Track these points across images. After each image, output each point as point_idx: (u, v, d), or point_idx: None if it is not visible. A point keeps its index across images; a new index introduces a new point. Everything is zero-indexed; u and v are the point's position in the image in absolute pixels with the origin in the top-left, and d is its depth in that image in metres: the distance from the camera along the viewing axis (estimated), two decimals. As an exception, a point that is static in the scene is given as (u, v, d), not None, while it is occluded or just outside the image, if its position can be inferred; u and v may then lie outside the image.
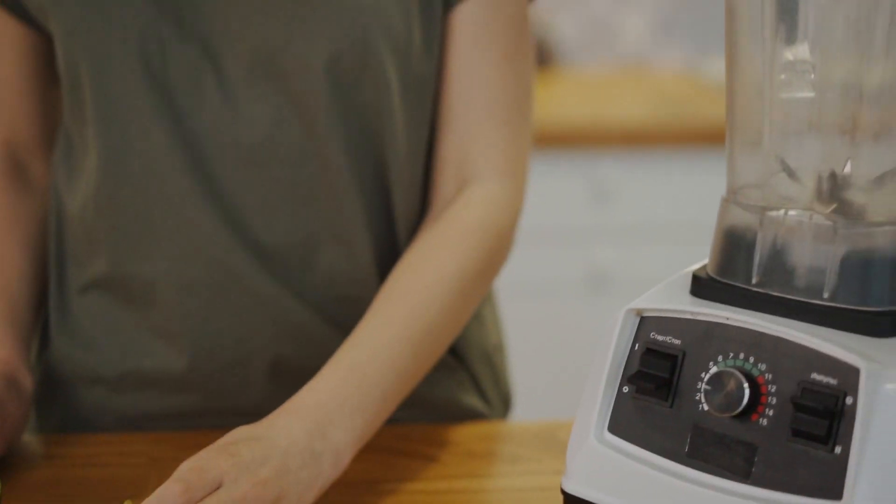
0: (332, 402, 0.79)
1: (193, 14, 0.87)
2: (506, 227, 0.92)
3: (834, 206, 0.69)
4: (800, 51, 0.71)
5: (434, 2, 0.91)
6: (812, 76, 0.70)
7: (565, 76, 2.59)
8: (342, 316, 0.91)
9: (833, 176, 0.69)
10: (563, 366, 2.00)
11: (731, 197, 0.71)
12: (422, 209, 0.95)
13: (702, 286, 0.69)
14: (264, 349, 0.91)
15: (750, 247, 0.68)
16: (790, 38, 0.70)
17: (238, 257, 0.89)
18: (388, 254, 0.93)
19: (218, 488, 0.72)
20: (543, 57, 2.55)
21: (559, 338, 2.22)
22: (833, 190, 0.69)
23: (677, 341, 0.68)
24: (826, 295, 0.66)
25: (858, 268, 0.66)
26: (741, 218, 0.69)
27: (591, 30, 2.66)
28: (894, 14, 0.67)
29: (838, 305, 0.65)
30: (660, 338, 0.68)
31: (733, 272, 0.69)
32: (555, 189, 2.16)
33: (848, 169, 0.70)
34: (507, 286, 2.25)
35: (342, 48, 0.87)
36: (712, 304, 0.68)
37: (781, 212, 0.69)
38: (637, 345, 0.69)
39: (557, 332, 2.23)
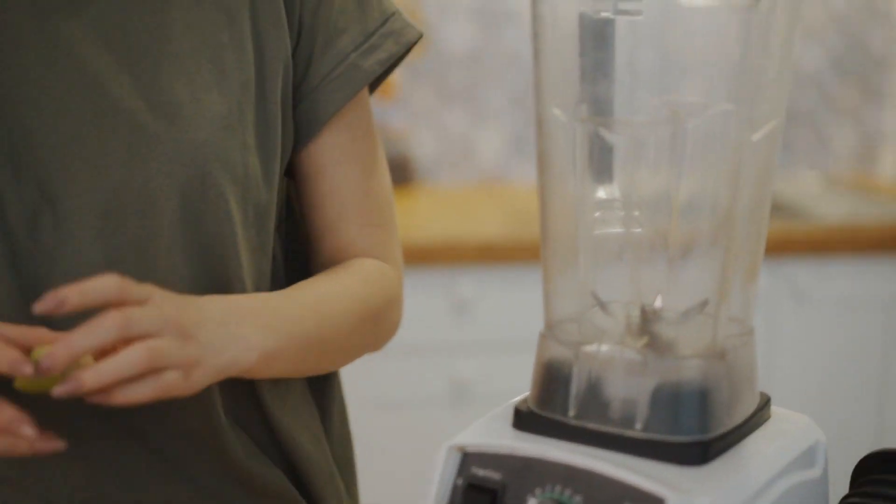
0: (248, 310, 0.87)
1: (31, 158, 0.86)
2: (397, 296, 1.02)
3: (645, 339, 0.72)
4: (611, 189, 0.75)
5: (271, 137, 0.93)
6: (622, 213, 0.74)
7: (424, 193, 2.64)
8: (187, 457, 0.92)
9: (644, 310, 0.73)
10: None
11: (548, 332, 0.73)
12: None
13: (523, 419, 0.72)
14: None
15: (567, 380, 0.71)
16: (602, 178, 0.74)
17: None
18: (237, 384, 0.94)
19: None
20: (403, 174, 2.60)
21: (421, 451, 2.22)
22: (644, 324, 0.72)
23: (497, 475, 0.69)
24: (639, 426, 0.68)
25: (668, 399, 0.69)
26: (558, 352, 0.72)
27: (449, 147, 2.72)
28: (699, 152, 0.71)
29: (650, 436, 0.68)
30: (480, 472, 0.70)
31: (552, 405, 0.71)
32: (416, 304, 2.19)
33: (658, 303, 0.73)
34: (369, 399, 2.27)
35: (183, 184, 0.88)
36: (532, 436, 0.70)
37: (595, 346, 0.72)
38: (459, 480, 0.70)
39: (419, 446, 2.23)
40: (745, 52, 0.67)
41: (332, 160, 0.98)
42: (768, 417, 0.74)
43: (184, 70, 0.90)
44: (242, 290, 0.93)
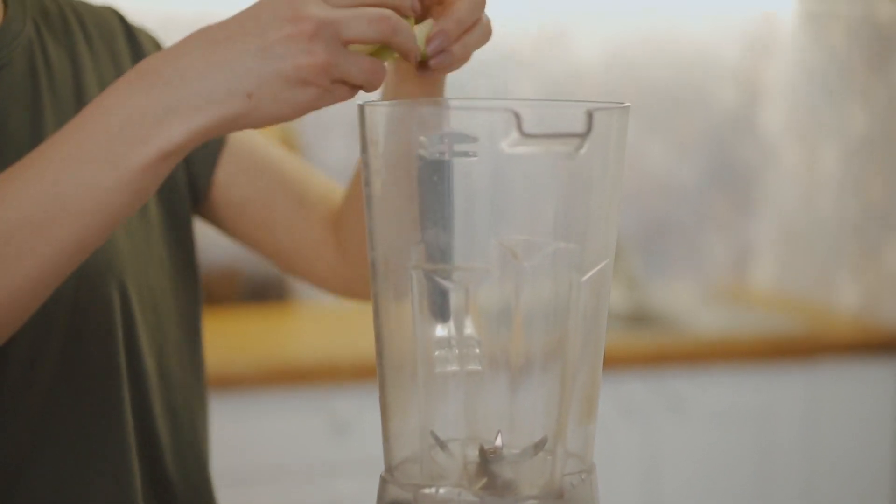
0: None
1: None
2: None
3: (484, 480, 0.72)
4: (449, 327, 0.75)
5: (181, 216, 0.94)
6: (460, 352, 0.74)
7: (301, 311, 2.63)
8: None
9: (482, 450, 0.73)
10: None
11: (389, 475, 0.73)
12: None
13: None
14: None
15: (406, 525, 0.70)
16: (438, 317, 0.74)
17: None
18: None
19: None
20: (279, 292, 2.58)
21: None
22: (483, 464, 0.72)
23: None
24: (477, 570, 0.68)
25: (506, 542, 0.68)
26: (398, 495, 0.71)
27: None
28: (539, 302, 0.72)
29: (488, 580, 0.67)
30: None
31: (393, 549, 0.70)
32: (293, 424, 2.16)
33: (498, 442, 0.73)
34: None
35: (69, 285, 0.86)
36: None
37: (434, 489, 0.71)
38: None
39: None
40: (568, 197, 0.68)
41: (243, 169, 1.00)
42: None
43: None
44: (118, 395, 0.91)
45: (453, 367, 0.75)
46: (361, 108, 0.70)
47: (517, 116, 0.64)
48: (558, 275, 0.71)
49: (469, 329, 0.75)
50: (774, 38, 2.88)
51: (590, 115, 0.65)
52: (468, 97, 0.75)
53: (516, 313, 0.72)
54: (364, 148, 0.71)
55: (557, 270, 0.71)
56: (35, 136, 0.88)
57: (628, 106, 0.70)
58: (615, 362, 2.33)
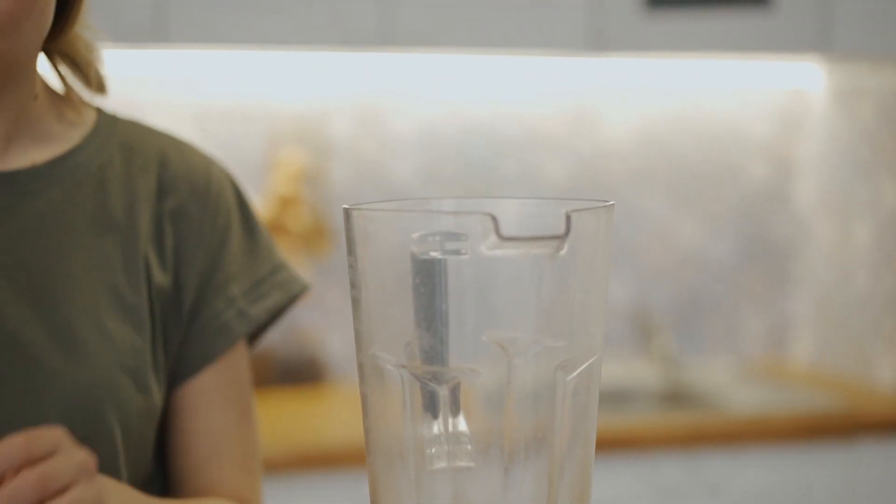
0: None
1: None
2: None
3: (475, 579, 0.71)
4: (439, 424, 0.76)
5: (159, 373, 0.96)
6: (452, 448, 0.75)
7: (334, 394, 2.63)
8: None
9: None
10: None
11: (379, 575, 0.73)
12: None
13: None
14: None
15: None
16: (430, 415, 0.75)
17: None
18: None
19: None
20: (312, 374, 2.59)
21: None
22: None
23: None
24: None
25: None
26: None
27: (362, 345, 2.73)
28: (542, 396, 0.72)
29: None
30: None
31: None
32: (326, 509, 2.16)
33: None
34: None
35: (70, 421, 0.89)
36: None
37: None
38: None
39: None
40: (552, 296, 0.69)
41: (208, 401, 1.00)
42: None
43: (84, 307, 0.93)
44: None
45: (446, 464, 0.75)
46: (347, 211, 0.72)
47: (494, 220, 0.65)
48: (545, 373, 0.71)
49: (461, 426, 0.75)
50: (805, 113, 2.88)
51: (568, 218, 0.66)
52: (458, 196, 0.76)
53: (505, 411, 0.73)
54: (350, 250, 0.72)
55: (544, 368, 0.71)
56: (60, 265, 0.92)
57: (612, 204, 0.71)
58: (648, 443, 2.31)
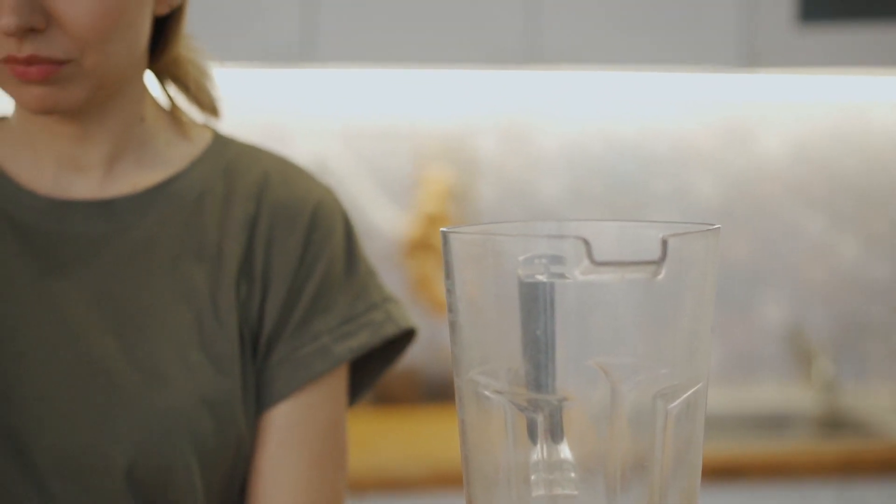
0: None
1: (7, 407, 0.90)
2: None
3: None
4: (543, 452, 0.74)
5: (248, 408, 0.95)
6: (554, 476, 0.73)
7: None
8: None
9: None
10: None
11: None
12: None
13: None
14: None
15: None
16: (531, 441, 0.74)
17: None
18: None
19: None
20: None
21: None
22: None
23: None
24: None
25: None
26: None
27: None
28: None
29: None
30: None
31: None
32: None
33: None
34: None
35: (145, 451, 0.90)
36: None
37: None
38: None
39: None
40: (650, 323, 0.67)
41: (276, 438, 0.96)
42: None
43: (168, 338, 0.93)
44: None
45: (547, 492, 0.74)
46: (444, 235, 0.71)
47: (587, 244, 0.63)
48: (647, 400, 0.69)
49: (563, 453, 0.73)
50: (973, 127, 2.75)
51: (664, 243, 0.64)
52: (557, 219, 0.75)
53: (608, 438, 0.71)
54: (448, 274, 0.71)
55: (647, 396, 0.69)
56: (147, 295, 0.93)
57: (717, 228, 0.68)
58: (804, 472, 2.23)
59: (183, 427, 0.90)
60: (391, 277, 2.54)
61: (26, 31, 0.84)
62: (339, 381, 0.98)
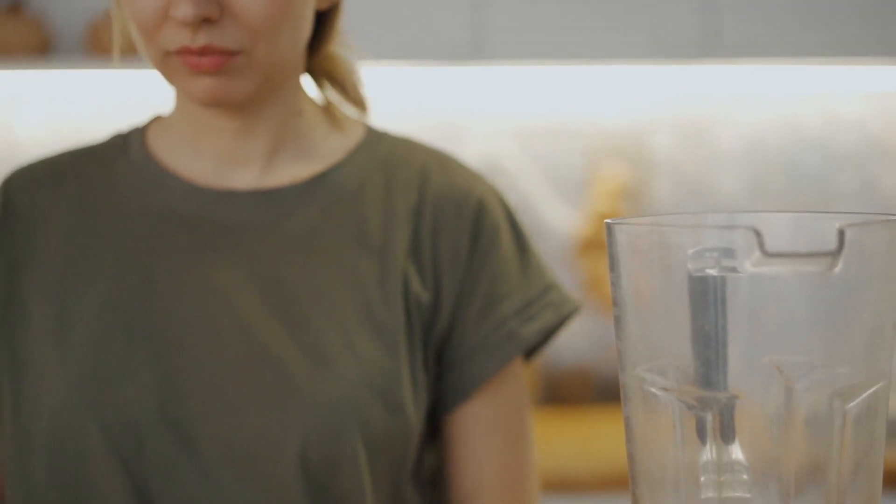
0: None
1: (174, 396, 0.91)
2: None
3: None
4: (714, 452, 0.72)
5: (418, 394, 0.95)
6: (725, 478, 0.70)
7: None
8: None
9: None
10: None
11: None
12: None
13: None
14: None
15: None
16: (701, 441, 0.71)
17: None
18: None
19: None
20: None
21: None
22: None
23: None
24: None
25: None
26: None
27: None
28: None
29: None
30: None
31: None
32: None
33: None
34: None
35: (316, 438, 0.90)
36: None
37: None
38: None
39: None
40: (827, 318, 0.64)
41: (475, 429, 0.98)
42: None
43: (335, 325, 0.94)
44: None
45: (718, 495, 0.71)
46: (609, 226, 0.69)
47: (758, 235, 0.61)
48: (823, 400, 0.66)
49: (735, 454, 0.71)
50: None
51: (841, 233, 0.60)
52: (726, 211, 0.72)
53: (783, 439, 0.68)
54: (613, 267, 0.69)
55: (823, 395, 0.66)
56: (313, 283, 0.94)
57: (899, 218, 0.64)
58: None
59: (352, 414, 0.91)
60: (563, 277, 2.52)
61: (201, 22, 0.85)
62: (519, 364, 1.01)
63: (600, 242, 2.51)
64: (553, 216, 2.58)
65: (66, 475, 0.90)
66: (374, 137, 1.03)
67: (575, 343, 2.53)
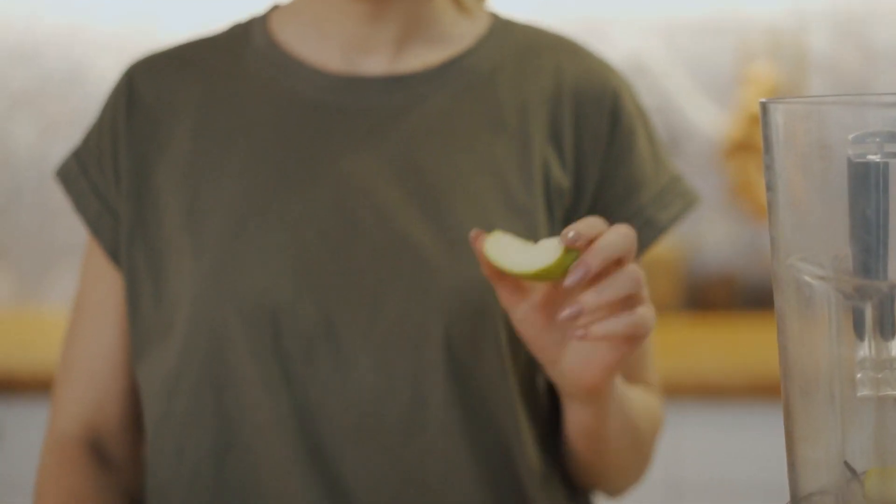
0: None
1: (313, 285, 0.90)
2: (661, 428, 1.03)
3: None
4: (871, 348, 0.68)
5: None
6: (880, 375, 0.67)
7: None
8: None
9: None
10: None
11: (794, 505, 0.67)
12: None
13: None
14: None
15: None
16: (857, 335, 0.67)
17: None
18: None
19: None
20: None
21: None
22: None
23: None
24: None
25: None
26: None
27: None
28: None
29: None
30: None
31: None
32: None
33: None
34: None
35: (458, 319, 0.90)
36: None
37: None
38: None
39: None
40: None
41: None
42: None
43: (475, 207, 0.93)
44: (514, 423, 0.92)
45: (875, 393, 0.67)
46: (764, 105, 0.65)
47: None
48: None
49: (894, 351, 0.67)
50: None
51: None
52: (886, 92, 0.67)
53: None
54: (767, 149, 0.65)
55: None
56: (450, 167, 0.93)
57: None
58: None
59: (491, 294, 0.89)
60: (710, 181, 2.46)
61: None
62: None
63: (750, 145, 2.42)
64: (699, 117, 2.50)
65: (205, 362, 0.91)
66: (502, 24, 1.01)
67: (721, 249, 2.46)
